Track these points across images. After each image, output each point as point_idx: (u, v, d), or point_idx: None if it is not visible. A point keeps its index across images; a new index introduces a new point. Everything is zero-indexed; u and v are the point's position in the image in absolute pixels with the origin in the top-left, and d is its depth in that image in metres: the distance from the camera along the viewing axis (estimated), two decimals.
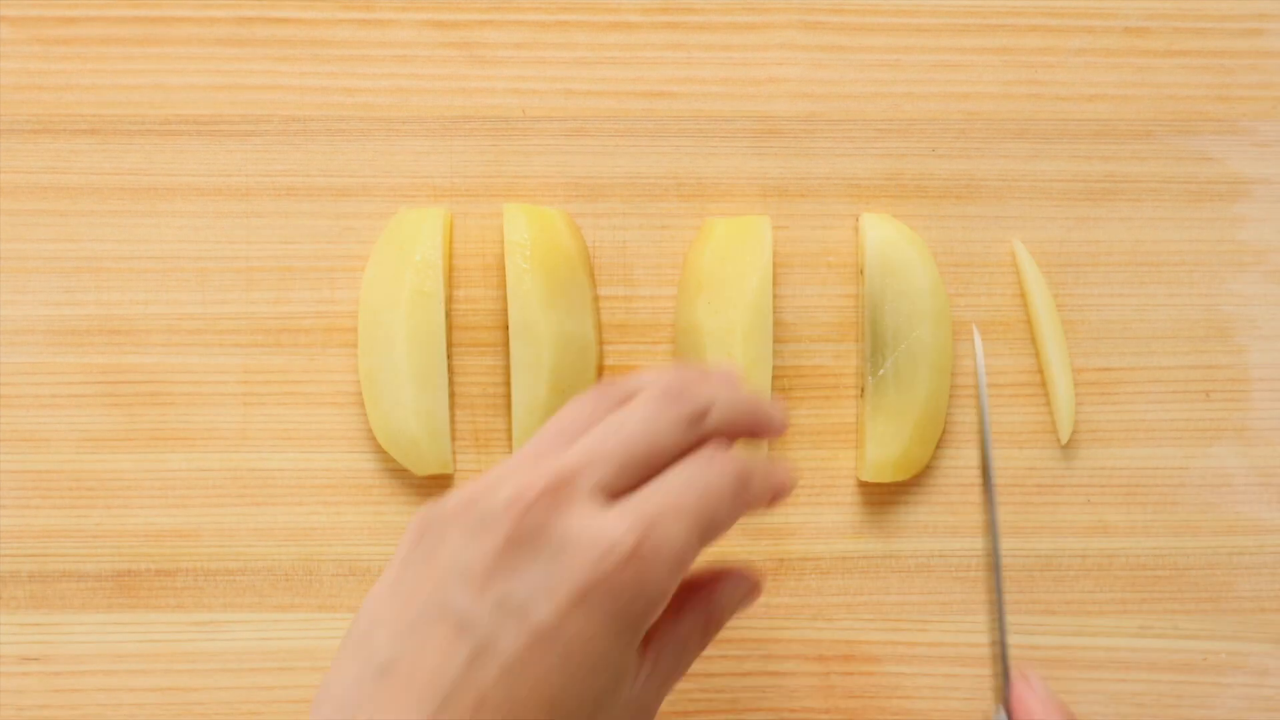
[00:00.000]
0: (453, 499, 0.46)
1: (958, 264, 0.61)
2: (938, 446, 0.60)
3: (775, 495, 0.49)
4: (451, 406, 0.60)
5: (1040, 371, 0.61)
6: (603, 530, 0.44)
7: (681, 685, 0.60)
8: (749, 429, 0.50)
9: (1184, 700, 0.60)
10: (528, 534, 0.44)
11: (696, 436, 0.48)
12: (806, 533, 0.60)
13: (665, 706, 0.60)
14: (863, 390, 0.59)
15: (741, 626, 0.60)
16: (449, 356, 0.60)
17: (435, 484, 0.60)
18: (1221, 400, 0.61)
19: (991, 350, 0.61)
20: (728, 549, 0.60)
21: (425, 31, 0.61)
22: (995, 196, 0.61)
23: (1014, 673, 0.55)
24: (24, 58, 0.60)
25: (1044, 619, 0.60)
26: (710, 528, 0.46)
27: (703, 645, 0.50)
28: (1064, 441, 0.60)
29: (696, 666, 0.60)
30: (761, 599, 0.60)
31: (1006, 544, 0.60)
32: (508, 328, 0.58)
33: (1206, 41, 0.61)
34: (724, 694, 0.60)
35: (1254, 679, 0.60)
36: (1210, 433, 0.61)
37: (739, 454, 0.48)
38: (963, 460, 0.60)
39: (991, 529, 0.58)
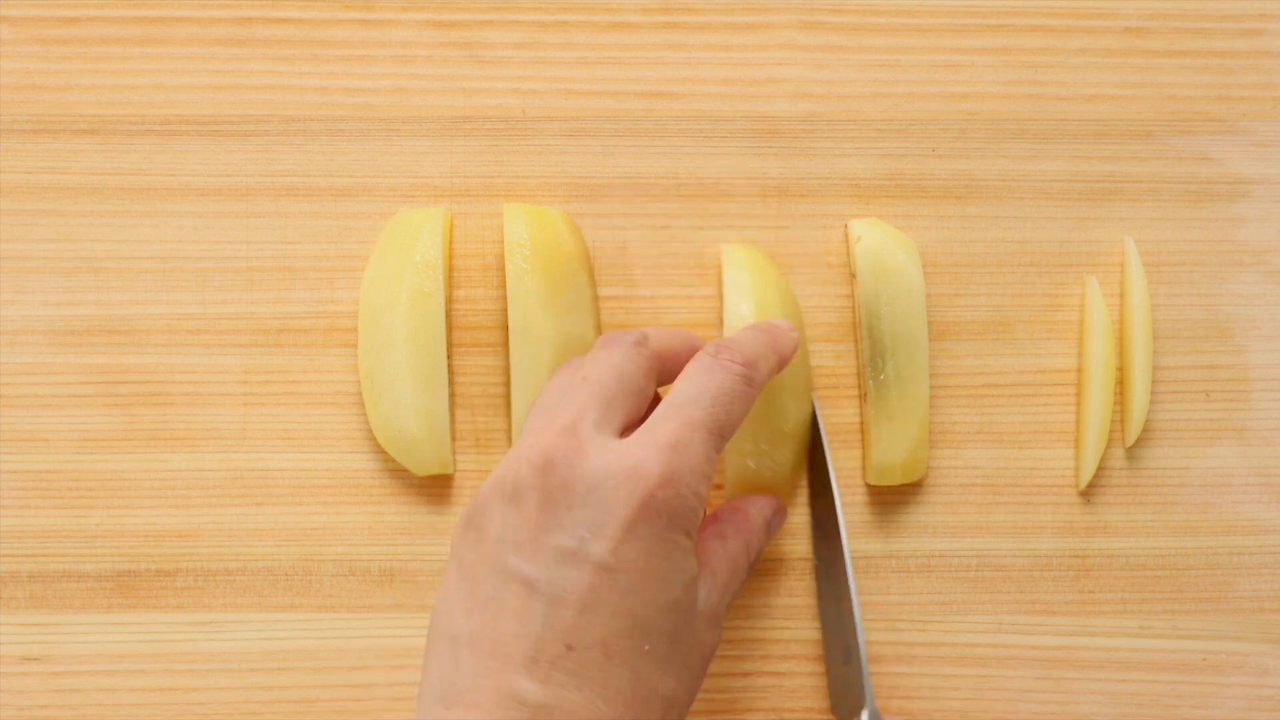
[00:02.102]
0: (483, 488, 0.49)
1: (957, 264, 0.61)
2: (938, 447, 0.60)
3: (780, 361, 0.54)
4: (451, 406, 0.60)
5: (1040, 372, 0.61)
6: (628, 459, 0.47)
7: None
8: (688, 343, 0.54)
9: (1184, 700, 0.60)
10: (559, 488, 0.47)
11: (646, 358, 0.52)
12: (807, 533, 0.60)
13: None
14: (864, 394, 0.59)
15: (742, 626, 0.60)
16: (449, 356, 0.60)
17: (435, 484, 0.60)
18: (1221, 400, 0.61)
19: (990, 350, 0.61)
20: None
21: (425, 31, 0.61)
22: (995, 196, 0.61)
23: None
24: (24, 58, 0.60)
25: (1044, 619, 0.60)
26: (725, 427, 0.50)
27: (749, 560, 0.54)
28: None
29: None
30: (762, 596, 0.60)
31: (1007, 544, 0.60)
32: (508, 328, 0.58)
33: (1206, 41, 0.61)
34: (724, 694, 0.60)
35: (1254, 679, 0.60)
36: (1210, 433, 0.61)
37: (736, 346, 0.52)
38: (963, 461, 0.60)
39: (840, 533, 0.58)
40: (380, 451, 0.60)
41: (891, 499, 0.60)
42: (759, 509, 0.55)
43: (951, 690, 0.60)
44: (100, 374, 0.60)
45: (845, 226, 0.60)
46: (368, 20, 0.61)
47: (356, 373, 0.60)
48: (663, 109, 0.61)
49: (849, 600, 0.57)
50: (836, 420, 0.60)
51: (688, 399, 0.50)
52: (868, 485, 0.60)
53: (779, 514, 0.57)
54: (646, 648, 0.47)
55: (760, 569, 0.60)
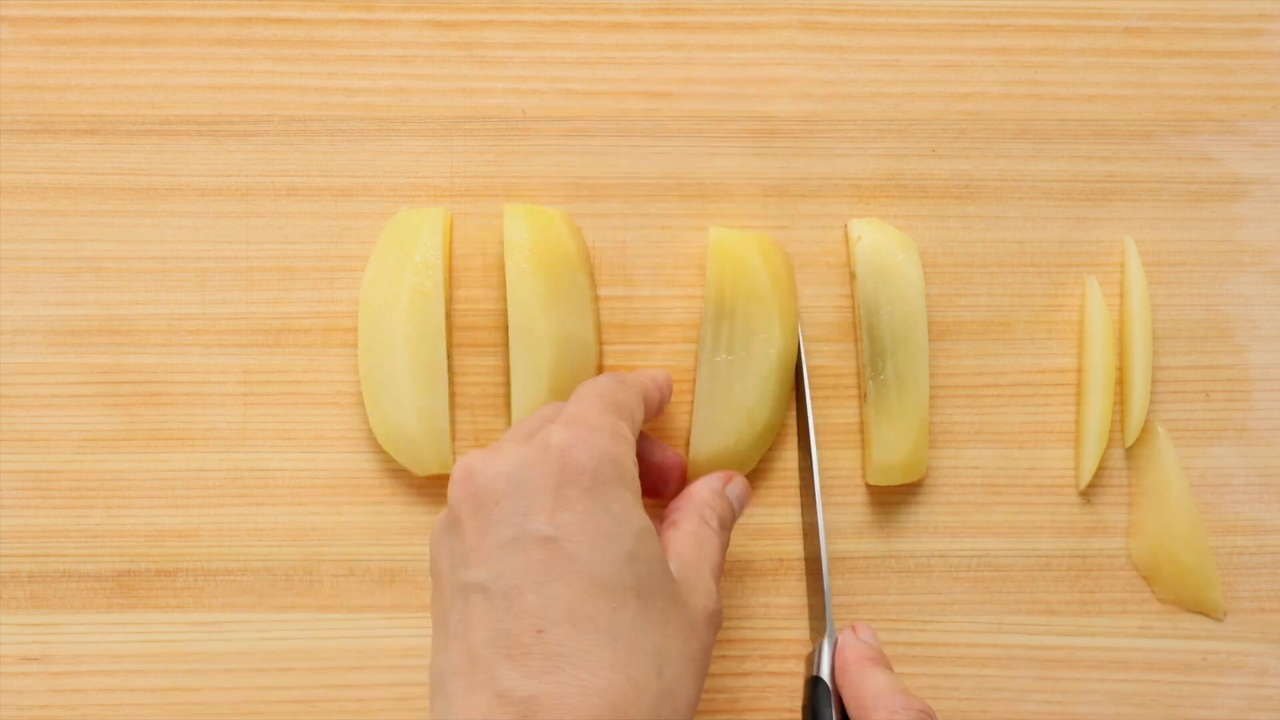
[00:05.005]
0: (430, 537, 0.52)
1: (957, 264, 0.61)
2: (938, 447, 0.60)
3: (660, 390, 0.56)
4: (451, 406, 0.60)
5: (1040, 372, 0.61)
6: (534, 442, 0.49)
7: None
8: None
9: (1184, 700, 0.60)
10: (484, 490, 0.48)
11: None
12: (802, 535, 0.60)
13: None
14: (864, 394, 0.59)
15: (742, 626, 0.60)
16: (449, 356, 0.60)
17: (435, 484, 0.60)
18: (1221, 400, 0.61)
19: (990, 350, 0.61)
20: (729, 550, 0.60)
21: (425, 31, 0.61)
22: (995, 196, 0.61)
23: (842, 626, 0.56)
24: (24, 58, 0.60)
25: (1044, 619, 0.60)
26: (620, 404, 0.52)
27: (712, 527, 0.53)
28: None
29: None
30: (762, 596, 0.60)
31: (1006, 544, 0.60)
32: (508, 328, 0.58)
33: (1206, 41, 0.61)
34: (724, 694, 0.60)
35: (1254, 679, 0.60)
36: (1210, 433, 0.61)
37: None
38: (963, 460, 0.60)
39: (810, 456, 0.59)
40: (380, 451, 0.60)
41: (891, 499, 0.60)
42: (704, 483, 0.55)
43: (951, 690, 0.60)
44: (100, 374, 0.60)
45: (845, 226, 0.60)
46: (368, 20, 0.61)
47: (356, 373, 0.60)
48: (663, 109, 0.61)
49: (817, 521, 0.58)
50: (835, 421, 0.60)
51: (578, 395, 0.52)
52: (868, 485, 0.60)
53: (734, 480, 0.56)
54: (614, 607, 0.46)
55: (760, 569, 0.60)
